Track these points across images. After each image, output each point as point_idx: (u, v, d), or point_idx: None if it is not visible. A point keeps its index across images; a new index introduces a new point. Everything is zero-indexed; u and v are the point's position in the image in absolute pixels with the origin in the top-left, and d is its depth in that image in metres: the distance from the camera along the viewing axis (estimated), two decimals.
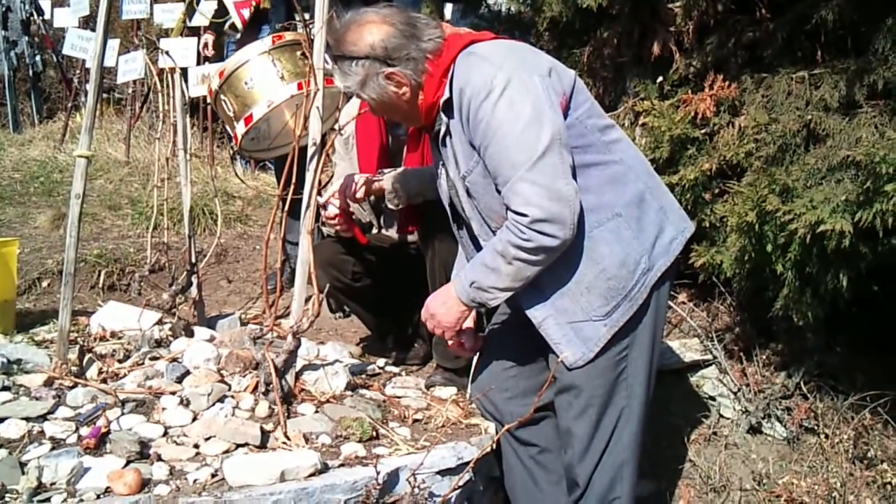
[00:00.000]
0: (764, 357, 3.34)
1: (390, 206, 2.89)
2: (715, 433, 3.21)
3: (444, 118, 2.25)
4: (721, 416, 3.28)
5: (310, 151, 2.55)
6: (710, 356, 3.39)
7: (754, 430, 3.21)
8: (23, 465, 2.05)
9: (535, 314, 2.28)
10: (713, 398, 3.33)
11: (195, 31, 6.05)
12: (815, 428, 3.13)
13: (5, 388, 2.49)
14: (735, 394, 3.29)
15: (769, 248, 2.76)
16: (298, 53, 2.95)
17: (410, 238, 3.12)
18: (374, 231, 3.20)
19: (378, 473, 2.04)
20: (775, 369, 3.33)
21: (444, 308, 2.34)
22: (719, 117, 3.11)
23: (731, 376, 3.30)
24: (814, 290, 2.81)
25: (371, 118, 3.05)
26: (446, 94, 2.21)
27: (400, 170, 2.89)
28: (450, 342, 2.43)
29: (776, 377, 3.29)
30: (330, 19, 2.35)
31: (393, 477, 2.14)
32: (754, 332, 3.40)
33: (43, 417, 2.31)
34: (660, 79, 3.38)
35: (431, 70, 2.21)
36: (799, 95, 2.94)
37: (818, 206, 2.54)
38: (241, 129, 2.96)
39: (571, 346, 2.24)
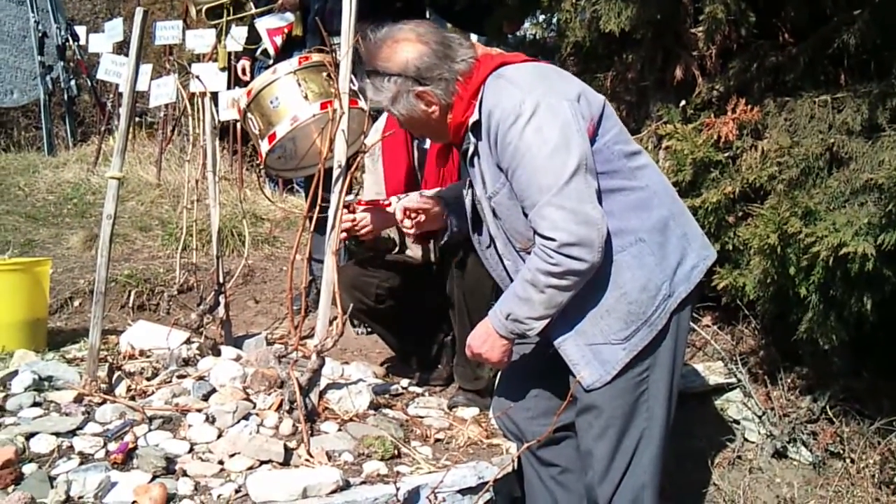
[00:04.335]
0: (789, 381, 3.32)
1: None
2: (739, 457, 3.19)
3: (473, 139, 2.28)
4: (746, 439, 3.26)
5: (335, 174, 2.60)
6: (734, 379, 3.37)
7: (779, 454, 3.19)
8: (52, 478, 2.09)
9: (555, 334, 2.29)
10: (737, 422, 3.32)
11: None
12: (841, 452, 3.10)
13: (36, 404, 2.54)
14: (760, 417, 3.27)
15: (792, 270, 2.75)
16: (324, 74, 3.01)
17: (432, 259, 3.15)
18: (397, 251, 3.23)
19: (398, 490, 2.06)
20: (800, 393, 3.31)
21: (486, 346, 2.35)
22: (742, 140, 3.12)
23: (756, 400, 3.29)
24: (838, 313, 2.80)
25: (398, 136, 3.10)
26: (475, 116, 2.24)
27: (419, 194, 2.92)
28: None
29: (801, 401, 3.27)
30: (356, 44, 2.40)
31: (414, 495, 2.15)
32: (779, 355, 3.38)
33: (72, 433, 2.35)
34: (683, 102, 3.39)
35: (461, 91, 2.24)
36: (821, 119, 2.94)
37: (841, 229, 2.54)
38: (265, 146, 3.02)
39: (589, 367, 2.25)
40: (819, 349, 3.02)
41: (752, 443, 3.24)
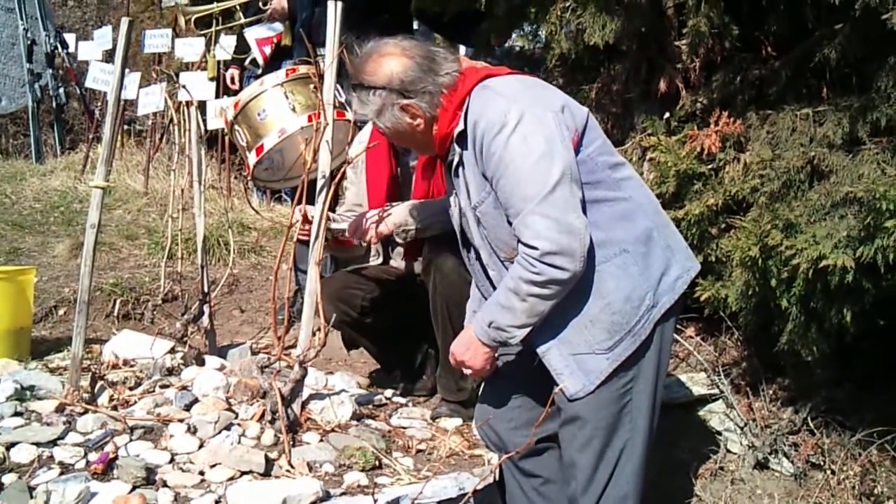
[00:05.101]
0: (771, 392, 3.33)
1: (398, 239, 2.94)
2: (721, 468, 3.20)
3: (458, 149, 2.29)
4: (728, 450, 3.26)
5: (319, 184, 2.61)
6: (717, 390, 3.38)
7: (761, 465, 3.19)
8: (31, 489, 2.10)
9: (539, 344, 2.30)
10: (720, 433, 3.32)
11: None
12: (822, 464, 3.11)
13: (17, 414, 2.54)
14: (742, 428, 3.28)
15: (773, 282, 2.77)
16: (311, 86, 3.02)
17: (417, 270, 3.16)
18: (380, 261, 3.24)
19: (376, 502, 2.06)
20: (782, 404, 3.32)
21: (469, 354, 2.34)
22: (725, 153, 3.13)
23: (738, 411, 3.30)
24: (818, 325, 2.81)
25: (381, 148, 3.11)
26: (460, 126, 2.25)
27: (408, 203, 2.94)
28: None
29: (783, 412, 3.28)
30: (340, 55, 2.42)
31: None
32: (761, 366, 3.39)
33: (53, 443, 2.36)
34: (667, 115, 3.40)
35: (446, 104, 2.26)
36: (803, 132, 2.96)
37: (820, 242, 2.56)
38: (252, 158, 3.03)
39: (573, 377, 2.26)
40: (801, 360, 3.03)
41: (734, 454, 3.24)
